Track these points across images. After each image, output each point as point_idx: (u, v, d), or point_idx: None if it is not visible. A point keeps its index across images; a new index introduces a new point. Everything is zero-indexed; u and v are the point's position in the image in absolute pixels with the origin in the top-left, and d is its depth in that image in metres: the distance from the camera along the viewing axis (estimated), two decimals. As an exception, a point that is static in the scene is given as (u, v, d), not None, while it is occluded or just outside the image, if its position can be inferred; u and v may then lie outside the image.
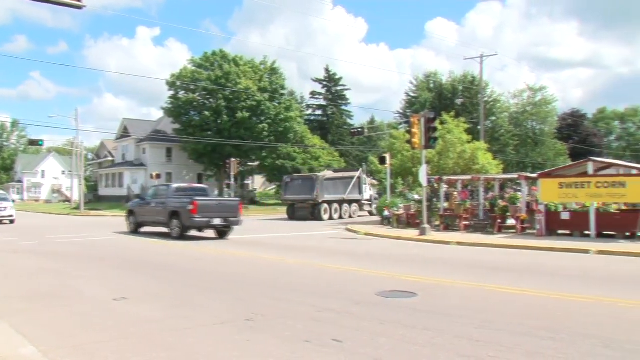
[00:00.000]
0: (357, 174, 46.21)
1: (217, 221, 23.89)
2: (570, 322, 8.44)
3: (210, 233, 25.49)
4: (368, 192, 47.97)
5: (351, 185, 44.87)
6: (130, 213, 28.54)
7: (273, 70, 65.15)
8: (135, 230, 27.53)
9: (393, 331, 7.82)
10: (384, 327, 8.05)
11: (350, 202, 44.84)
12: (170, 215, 24.39)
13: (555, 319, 8.61)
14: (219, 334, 7.74)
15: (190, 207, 23.31)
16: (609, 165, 25.72)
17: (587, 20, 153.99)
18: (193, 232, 25.12)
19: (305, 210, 42.42)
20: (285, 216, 45.20)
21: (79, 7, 14.95)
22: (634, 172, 23.27)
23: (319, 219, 41.31)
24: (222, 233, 25.14)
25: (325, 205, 42.38)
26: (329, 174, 46.32)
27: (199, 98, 61.53)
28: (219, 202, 26.62)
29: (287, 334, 7.67)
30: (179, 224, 23.89)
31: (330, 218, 42.30)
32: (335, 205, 43.26)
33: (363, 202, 46.54)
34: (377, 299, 10.31)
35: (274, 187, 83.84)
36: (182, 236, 23.84)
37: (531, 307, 9.67)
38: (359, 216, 44.87)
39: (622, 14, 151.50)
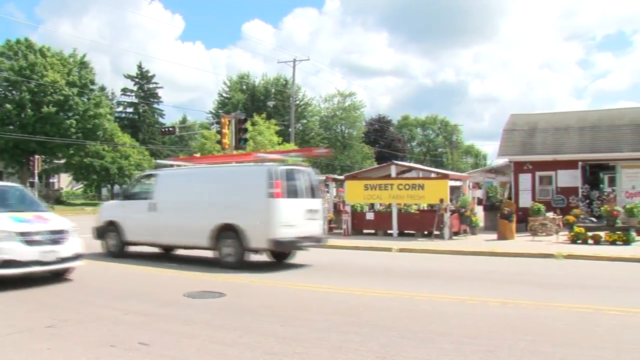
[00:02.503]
0: None
1: None
2: (371, 316, 8.88)
3: None
4: None
5: None
6: None
7: (83, 64, 62.16)
8: None
9: (200, 332, 7.82)
10: (191, 328, 8.04)
11: None
12: None
13: (358, 314, 9.02)
14: (17, 344, 7.28)
15: None
16: (410, 169, 27.30)
17: (396, 33, 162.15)
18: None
19: None
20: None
21: None
22: (432, 175, 24.87)
23: None
24: None
25: None
26: None
27: (0, 89, 57.52)
28: None
29: (91, 340, 7.44)
30: None
31: None
32: None
33: None
34: (185, 300, 10.26)
35: (81, 186, 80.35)
36: None
37: (335, 303, 10.05)
38: None
39: (426, 30, 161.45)
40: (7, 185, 15.56)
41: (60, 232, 11.90)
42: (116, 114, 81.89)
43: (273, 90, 77.44)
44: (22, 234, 11.22)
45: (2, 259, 10.82)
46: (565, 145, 26.75)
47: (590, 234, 19.49)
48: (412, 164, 39.50)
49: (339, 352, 6.81)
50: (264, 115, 42.57)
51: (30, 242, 11.22)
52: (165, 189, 16.06)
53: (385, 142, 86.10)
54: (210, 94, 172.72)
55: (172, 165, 18.85)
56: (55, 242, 11.65)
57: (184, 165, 18.20)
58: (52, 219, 12.35)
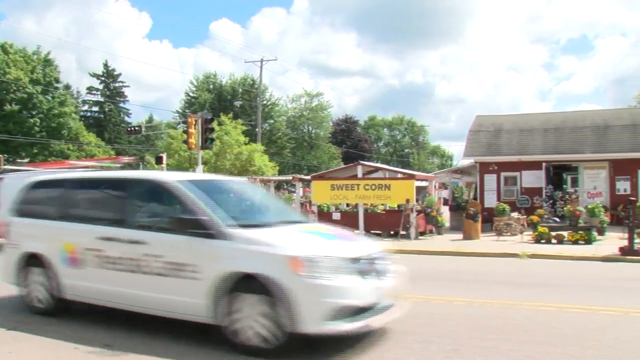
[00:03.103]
0: None
1: None
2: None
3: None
4: None
5: None
6: None
7: (47, 62, 61.17)
8: None
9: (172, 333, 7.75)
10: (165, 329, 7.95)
11: None
12: None
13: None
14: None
15: None
16: (377, 169, 27.42)
17: (365, 33, 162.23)
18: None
19: None
20: None
21: None
22: (399, 175, 25.03)
23: None
24: None
25: None
26: None
27: (-40, 87, 56.45)
28: None
29: (55, 341, 7.33)
30: None
31: None
32: None
33: None
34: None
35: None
36: None
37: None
38: None
39: (395, 31, 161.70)
40: (236, 181, 10.70)
41: (382, 256, 7.56)
42: (81, 113, 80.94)
43: (240, 90, 77.12)
44: (355, 260, 6.92)
45: (350, 306, 6.58)
46: (530, 146, 27.13)
47: (553, 233, 19.75)
48: (378, 165, 39.66)
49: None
50: (230, 115, 42.37)
51: (365, 274, 6.92)
52: (6, 194, 17.23)
53: (352, 143, 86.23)
54: (177, 93, 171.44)
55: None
56: (381, 273, 7.29)
57: (32, 170, 19.70)
58: (352, 235, 8.38)
